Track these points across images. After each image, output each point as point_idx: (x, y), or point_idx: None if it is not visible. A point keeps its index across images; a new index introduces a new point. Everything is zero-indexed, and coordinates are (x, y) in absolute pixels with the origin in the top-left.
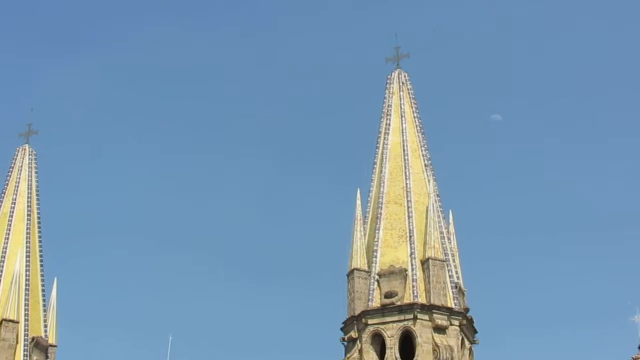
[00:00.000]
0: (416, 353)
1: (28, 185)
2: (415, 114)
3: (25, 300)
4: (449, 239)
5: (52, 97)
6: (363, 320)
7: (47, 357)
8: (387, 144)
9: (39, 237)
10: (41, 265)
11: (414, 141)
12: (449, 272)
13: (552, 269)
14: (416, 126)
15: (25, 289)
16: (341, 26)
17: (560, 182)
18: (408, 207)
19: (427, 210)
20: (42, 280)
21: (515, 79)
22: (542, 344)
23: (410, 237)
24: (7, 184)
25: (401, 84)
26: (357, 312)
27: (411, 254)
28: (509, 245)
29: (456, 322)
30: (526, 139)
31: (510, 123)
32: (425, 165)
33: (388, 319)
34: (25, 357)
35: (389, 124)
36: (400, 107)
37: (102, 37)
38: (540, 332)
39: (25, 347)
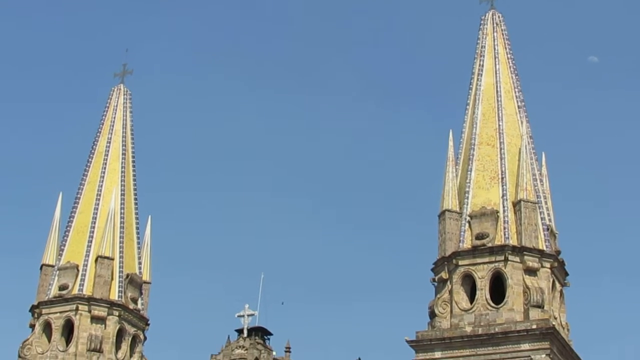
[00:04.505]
0: (507, 294)
1: (123, 124)
2: (509, 55)
3: (120, 237)
4: (541, 180)
5: (146, 37)
6: (454, 261)
7: (141, 293)
8: (480, 85)
9: (134, 175)
10: (135, 203)
11: (507, 82)
12: (540, 214)
13: None
14: (510, 67)
15: (120, 227)
16: None
17: None
18: (500, 149)
19: (519, 152)
20: (137, 218)
21: (613, 21)
22: (636, 288)
23: (502, 178)
24: (103, 124)
25: (495, 24)
26: (448, 253)
27: (503, 196)
28: (604, 188)
29: (547, 265)
30: (622, 81)
31: (607, 65)
32: (519, 107)
33: (479, 260)
34: (120, 293)
35: (482, 65)
36: (494, 48)
37: None
38: (635, 277)
39: (120, 284)
